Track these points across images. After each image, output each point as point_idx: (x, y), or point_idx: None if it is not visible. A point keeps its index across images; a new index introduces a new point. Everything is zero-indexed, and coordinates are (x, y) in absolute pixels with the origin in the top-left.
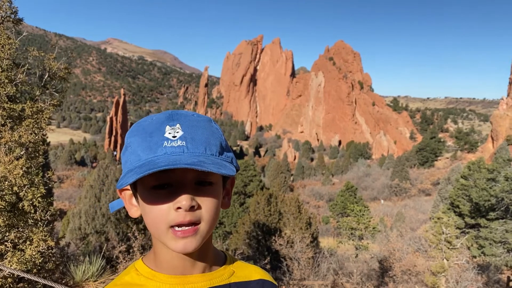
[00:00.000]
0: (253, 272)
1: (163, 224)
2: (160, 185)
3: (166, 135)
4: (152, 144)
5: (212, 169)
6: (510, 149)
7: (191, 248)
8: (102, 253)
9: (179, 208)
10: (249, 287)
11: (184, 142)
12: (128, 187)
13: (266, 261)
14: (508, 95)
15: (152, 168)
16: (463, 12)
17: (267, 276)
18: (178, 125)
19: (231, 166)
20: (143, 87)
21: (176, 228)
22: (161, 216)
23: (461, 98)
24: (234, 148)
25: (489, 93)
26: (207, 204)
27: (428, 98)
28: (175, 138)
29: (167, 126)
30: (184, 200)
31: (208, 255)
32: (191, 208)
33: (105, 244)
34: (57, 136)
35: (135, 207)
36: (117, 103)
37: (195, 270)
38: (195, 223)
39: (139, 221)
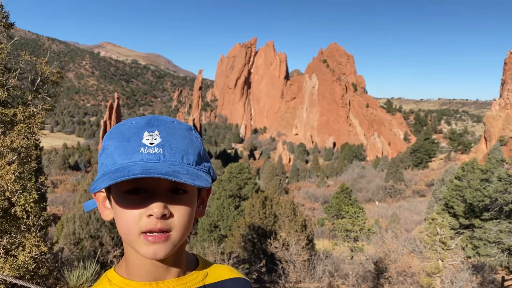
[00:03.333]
0: (226, 272)
1: (134, 230)
2: (133, 190)
3: (144, 141)
4: (129, 150)
5: (186, 180)
6: (503, 150)
7: (161, 255)
8: (96, 258)
9: (151, 215)
10: (224, 286)
11: (161, 150)
12: (103, 189)
13: (261, 264)
14: (500, 96)
15: (126, 175)
16: (456, 14)
17: (240, 274)
18: (156, 132)
19: (207, 176)
20: (137, 91)
21: (148, 233)
22: (133, 221)
23: (454, 99)
24: (229, 151)
25: (482, 94)
26: (179, 213)
27: (421, 99)
28: (152, 145)
29: (146, 132)
30: (156, 207)
31: (181, 260)
32: (163, 216)
33: (100, 249)
34: (51, 140)
35: (108, 210)
36: (111, 107)
37: (168, 276)
38: (166, 231)
39: None
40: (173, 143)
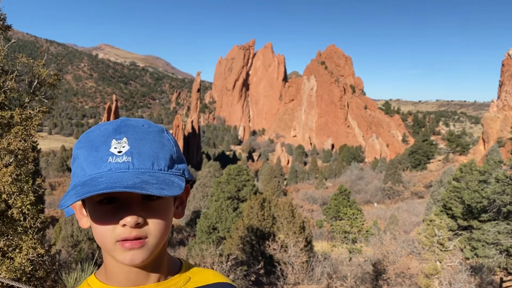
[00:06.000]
0: (211, 276)
1: (110, 239)
2: (106, 199)
3: (112, 150)
4: (97, 160)
5: (154, 191)
6: (501, 151)
7: (138, 261)
8: (94, 260)
9: (125, 224)
10: None
11: (129, 158)
12: None
13: (260, 266)
14: (498, 98)
15: (91, 190)
16: (454, 16)
17: (225, 279)
18: (124, 139)
19: (180, 180)
20: (135, 93)
21: (124, 240)
22: (108, 231)
23: (452, 100)
24: (227, 153)
25: (480, 96)
26: (154, 220)
27: (419, 101)
28: (121, 154)
29: (114, 140)
30: (129, 217)
31: (162, 264)
32: (137, 225)
33: (98, 251)
34: (49, 142)
35: (85, 218)
36: (109, 109)
37: (148, 281)
38: (142, 238)
39: None
40: (142, 149)
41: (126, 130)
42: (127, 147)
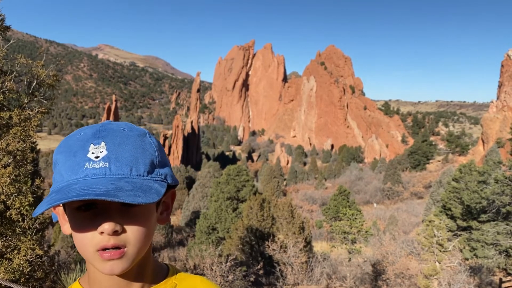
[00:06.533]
0: (198, 283)
1: (90, 247)
2: (84, 205)
3: (89, 155)
4: (75, 165)
5: (127, 199)
6: (501, 152)
7: (118, 271)
8: None
9: (102, 232)
10: None
11: (106, 163)
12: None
13: (259, 266)
14: (498, 98)
15: (63, 198)
16: (453, 16)
17: (213, 285)
18: (103, 144)
19: (159, 186)
20: (135, 93)
21: (103, 250)
22: (87, 239)
23: (451, 101)
24: (227, 153)
25: (479, 96)
26: (133, 227)
27: (419, 101)
28: (98, 159)
29: (91, 145)
30: (106, 224)
31: (145, 272)
32: (115, 232)
33: None
34: (48, 143)
35: (67, 224)
36: (109, 109)
37: None
38: (120, 247)
39: None
40: (120, 154)
41: (105, 134)
42: (104, 152)
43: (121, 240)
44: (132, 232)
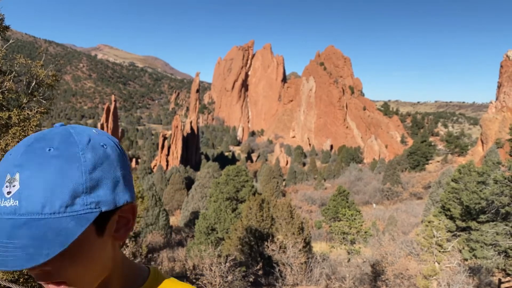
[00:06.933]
0: None
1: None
2: None
3: (3, 189)
4: None
5: (10, 265)
6: (500, 152)
7: None
8: None
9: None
10: None
11: (16, 202)
12: None
13: (258, 267)
14: (497, 99)
15: None
16: (453, 17)
17: None
18: (17, 175)
19: (78, 225)
20: (134, 93)
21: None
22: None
23: (451, 102)
24: (226, 154)
25: (478, 97)
26: (67, 266)
27: (418, 102)
28: (9, 196)
29: (8, 175)
30: (33, 272)
31: (111, 285)
32: (48, 275)
33: None
34: None
35: None
36: (108, 109)
37: None
38: (61, 283)
39: None
40: (33, 187)
41: (26, 159)
42: (17, 186)
43: (60, 278)
44: (66, 272)
